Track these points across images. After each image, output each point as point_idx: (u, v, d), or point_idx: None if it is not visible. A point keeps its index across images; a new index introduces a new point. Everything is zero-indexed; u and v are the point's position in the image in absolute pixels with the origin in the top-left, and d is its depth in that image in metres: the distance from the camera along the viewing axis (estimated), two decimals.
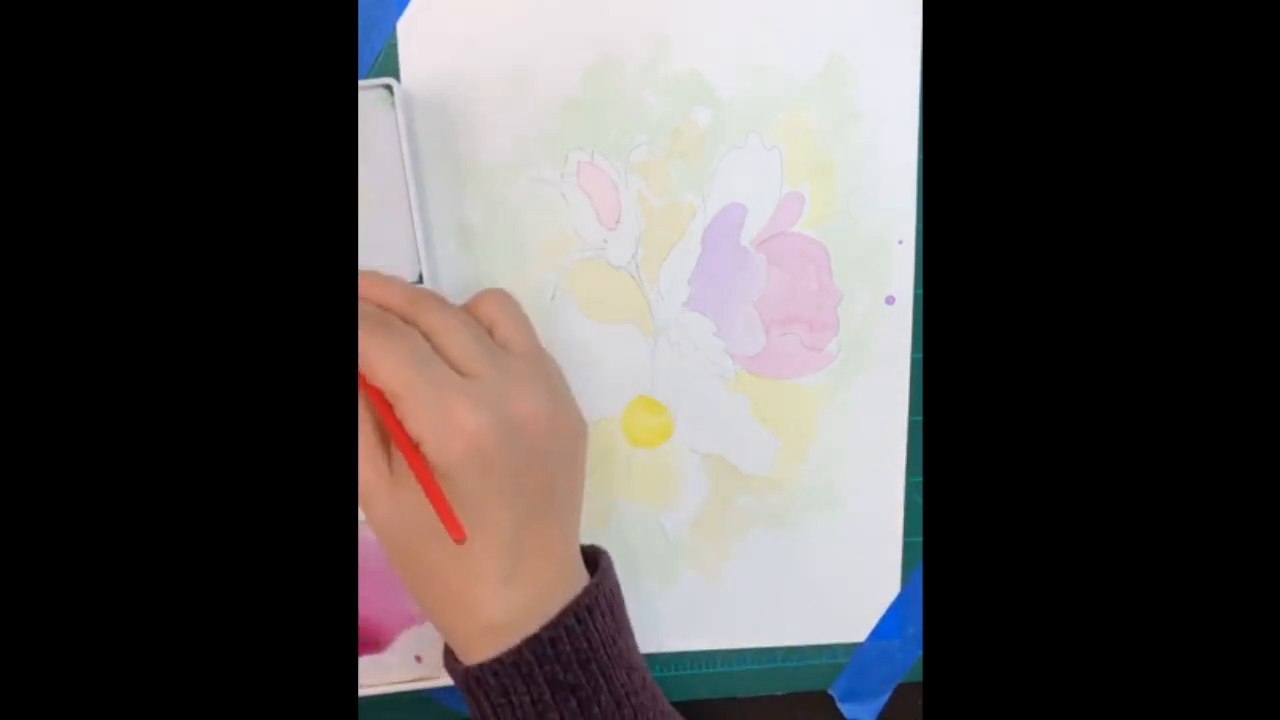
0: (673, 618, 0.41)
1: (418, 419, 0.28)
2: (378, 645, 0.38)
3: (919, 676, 0.43)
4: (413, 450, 0.28)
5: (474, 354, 0.29)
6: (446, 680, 0.38)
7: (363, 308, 0.29)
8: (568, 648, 0.30)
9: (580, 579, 0.32)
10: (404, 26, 0.36)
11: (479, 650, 0.30)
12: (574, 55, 0.37)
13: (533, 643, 0.29)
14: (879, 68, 0.38)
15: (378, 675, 0.38)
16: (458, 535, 0.27)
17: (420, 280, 0.35)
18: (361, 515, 0.31)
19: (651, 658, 0.40)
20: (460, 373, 0.29)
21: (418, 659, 0.38)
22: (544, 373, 0.32)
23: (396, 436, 0.28)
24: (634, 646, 0.33)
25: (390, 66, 0.37)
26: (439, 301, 0.31)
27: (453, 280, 0.38)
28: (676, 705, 0.35)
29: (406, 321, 0.30)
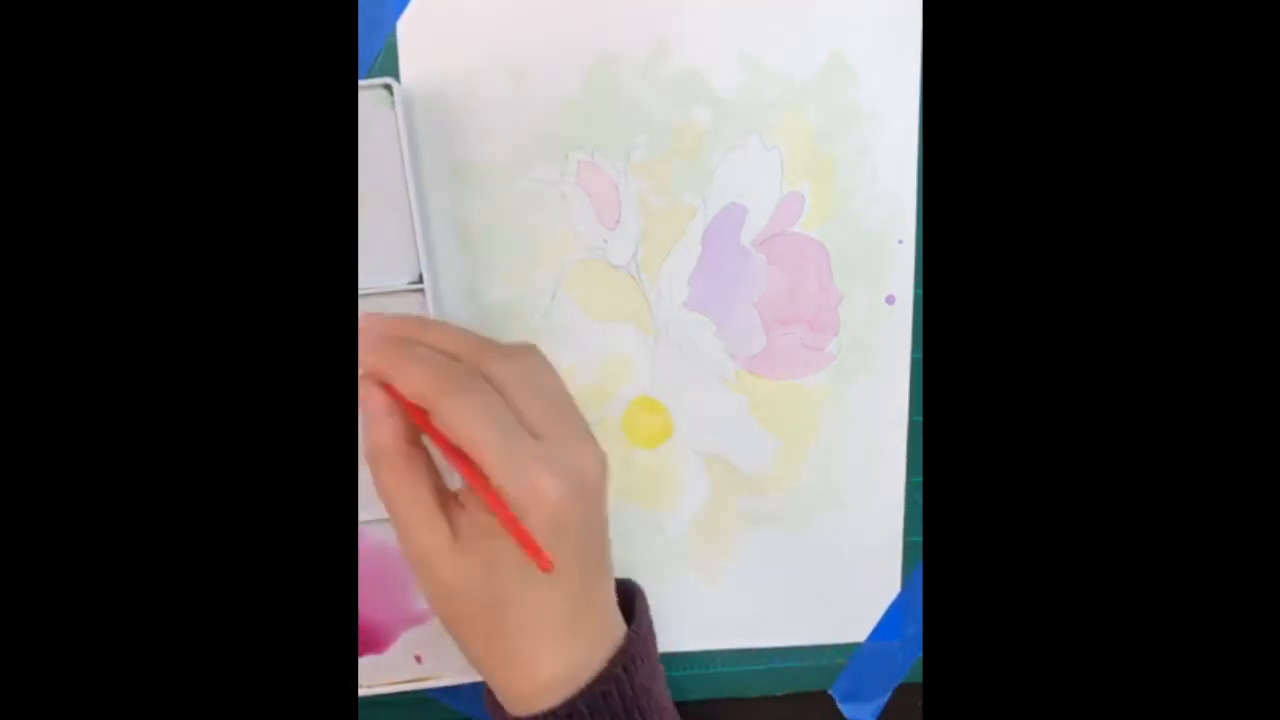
0: (673, 618, 0.41)
1: (499, 484, 0.28)
2: (378, 645, 0.38)
3: (919, 676, 0.43)
4: (498, 500, 0.28)
5: (541, 412, 0.29)
6: (446, 680, 0.38)
7: (435, 358, 0.29)
8: (616, 697, 0.30)
9: (620, 623, 0.32)
10: (404, 26, 0.36)
11: (535, 703, 0.30)
12: (573, 55, 0.37)
13: (586, 694, 0.30)
14: (879, 68, 0.38)
15: (378, 675, 0.38)
16: (545, 566, 0.28)
17: (420, 280, 0.35)
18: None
19: None
20: (531, 433, 0.29)
21: (418, 659, 0.38)
22: (585, 421, 0.32)
23: (480, 488, 0.28)
24: (665, 686, 0.34)
25: (390, 66, 0.37)
26: (504, 353, 0.31)
27: (453, 280, 0.38)
28: (677, 705, 0.35)
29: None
